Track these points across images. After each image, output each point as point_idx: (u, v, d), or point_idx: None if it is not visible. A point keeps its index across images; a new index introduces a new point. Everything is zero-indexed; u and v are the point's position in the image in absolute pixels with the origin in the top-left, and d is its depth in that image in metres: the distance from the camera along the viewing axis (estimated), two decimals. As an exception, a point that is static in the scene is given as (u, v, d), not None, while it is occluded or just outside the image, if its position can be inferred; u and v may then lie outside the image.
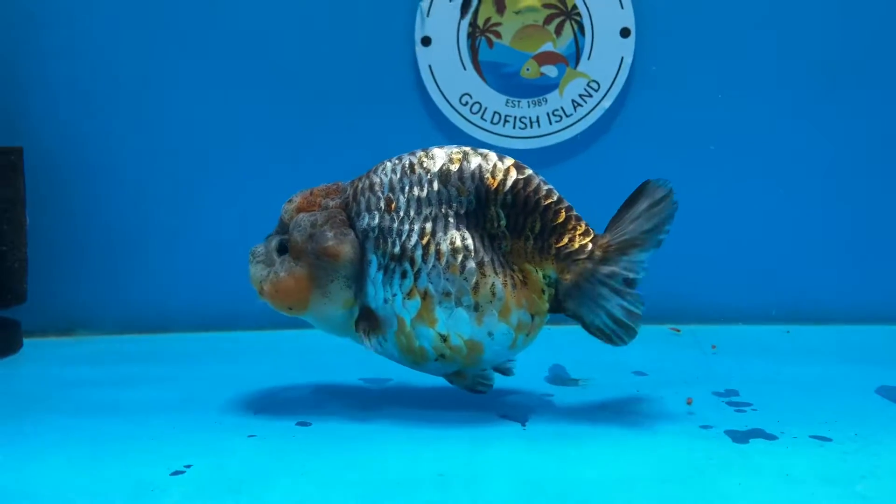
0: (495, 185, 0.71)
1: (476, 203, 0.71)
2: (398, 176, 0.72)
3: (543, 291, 0.71)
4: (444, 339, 0.71)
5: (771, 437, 0.68)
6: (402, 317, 0.71)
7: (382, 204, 0.72)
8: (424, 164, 0.72)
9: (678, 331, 1.04)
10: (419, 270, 0.70)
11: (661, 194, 0.71)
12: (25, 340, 0.98)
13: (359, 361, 0.85)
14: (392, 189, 0.72)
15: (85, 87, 1.04)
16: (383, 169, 0.74)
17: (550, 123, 1.09)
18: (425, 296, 0.70)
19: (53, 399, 0.80)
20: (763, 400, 0.77)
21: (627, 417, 0.73)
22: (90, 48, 1.04)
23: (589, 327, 0.72)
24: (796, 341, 1.00)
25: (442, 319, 0.70)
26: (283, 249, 0.73)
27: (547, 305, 0.72)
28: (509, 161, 0.73)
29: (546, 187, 0.73)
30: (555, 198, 0.73)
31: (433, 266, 0.70)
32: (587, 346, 0.96)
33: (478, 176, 0.71)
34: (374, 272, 0.71)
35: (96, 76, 1.04)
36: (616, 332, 0.71)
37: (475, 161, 0.72)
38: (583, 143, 1.09)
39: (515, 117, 1.09)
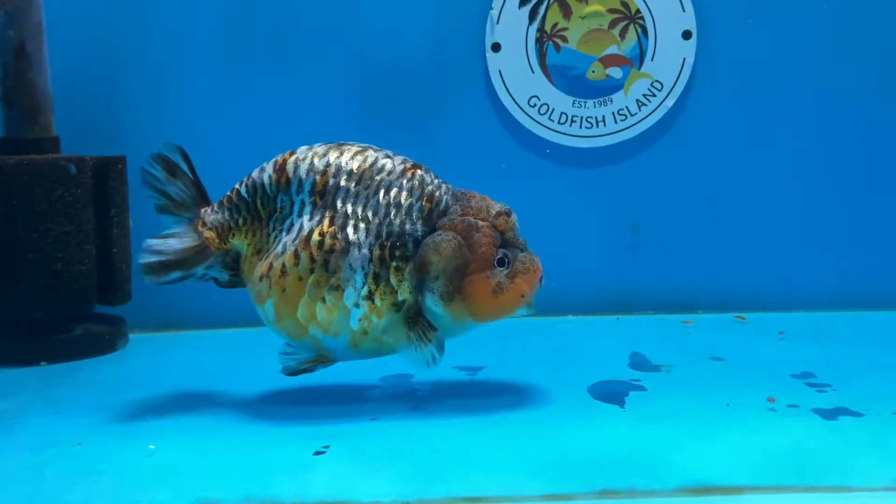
0: None
1: None
2: None
3: None
4: None
5: (857, 415, 0.74)
6: None
7: None
8: None
9: (743, 318, 1.10)
10: None
11: None
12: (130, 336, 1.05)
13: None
14: None
15: (180, 96, 1.10)
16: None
17: (616, 122, 1.14)
18: None
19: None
20: (840, 382, 0.82)
21: (719, 398, 0.79)
22: (184, 61, 1.10)
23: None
24: (860, 328, 1.05)
25: None
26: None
27: None
28: None
29: None
30: None
31: None
32: (657, 335, 1.01)
33: None
34: None
35: (193, 85, 1.11)
36: None
37: None
38: (647, 140, 1.14)
39: (582, 117, 1.15)
